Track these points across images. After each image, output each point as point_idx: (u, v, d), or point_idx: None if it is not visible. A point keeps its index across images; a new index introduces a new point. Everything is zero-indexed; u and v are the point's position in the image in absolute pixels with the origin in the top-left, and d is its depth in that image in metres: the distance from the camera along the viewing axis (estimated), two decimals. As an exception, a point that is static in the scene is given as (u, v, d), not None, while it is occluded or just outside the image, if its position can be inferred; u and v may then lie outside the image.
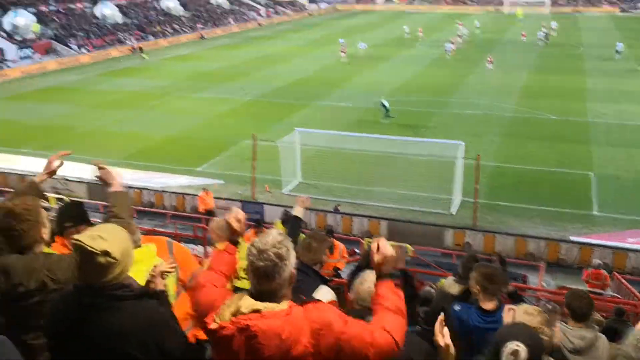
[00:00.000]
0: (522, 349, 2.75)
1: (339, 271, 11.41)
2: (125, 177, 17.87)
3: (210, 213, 19.47)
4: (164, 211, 20.40)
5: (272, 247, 2.55)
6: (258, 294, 2.56)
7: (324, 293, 4.14)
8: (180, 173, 24.21)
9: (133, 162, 25.36)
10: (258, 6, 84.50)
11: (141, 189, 21.81)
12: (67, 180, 22.40)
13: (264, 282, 2.55)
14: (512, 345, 2.77)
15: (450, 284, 6.58)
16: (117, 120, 32.17)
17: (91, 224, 4.45)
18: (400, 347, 2.63)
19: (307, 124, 27.69)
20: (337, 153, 23.57)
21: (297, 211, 5.54)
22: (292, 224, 5.47)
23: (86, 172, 23.95)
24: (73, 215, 4.20)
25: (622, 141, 27.10)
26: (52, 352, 2.80)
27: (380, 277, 2.87)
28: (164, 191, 21.64)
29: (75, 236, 2.65)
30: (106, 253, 2.61)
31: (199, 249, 13.73)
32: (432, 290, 10.58)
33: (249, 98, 36.47)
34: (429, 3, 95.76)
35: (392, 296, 2.80)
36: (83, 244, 2.59)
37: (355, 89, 37.96)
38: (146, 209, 20.69)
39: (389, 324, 2.67)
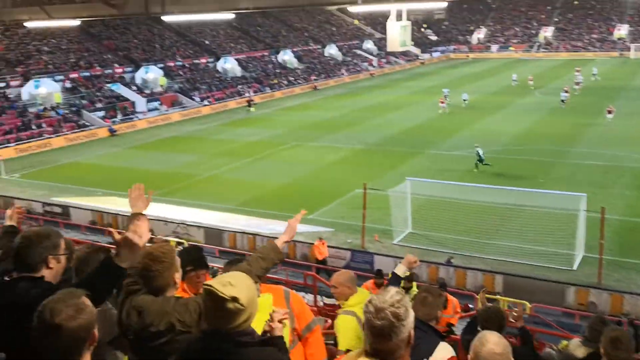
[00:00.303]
0: None
1: (452, 327, 10.92)
2: (239, 222, 18.43)
3: (324, 262, 19.62)
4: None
5: (390, 307, 2.48)
6: (374, 353, 2.50)
7: (445, 350, 4.01)
8: (292, 220, 24.59)
9: (247, 209, 26.16)
10: (370, 57, 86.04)
11: (254, 234, 22.35)
12: (187, 225, 23.46)
13: (381, 341, 2.48)
14: None
15: (576, 347, 6.03)
16: (234, 168, 33.52)
17: (208, 269, 4.55)
18: None
19: (418, 173, 27.40)
20: (450, 203, 23.03)
21: (399, 269, 5.38)
22: (391, 282, 5.32)
23: (204, 217, 25.10)
24: (193, 260, 4.31)
25: None
26: None
27: None
28: (275, 237, 21.98)
29: (207, 282, 2.72)
30: (235, 299, 2.65)
31: (309, 297, 13.72)
32: (554, 352, 9.86)
33: (360, 147, 36.77)
34: (547, 50, 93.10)
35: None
36: (214, 290, 2.65)
37: (468, 138, 37.17)
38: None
39: None
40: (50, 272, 3.22)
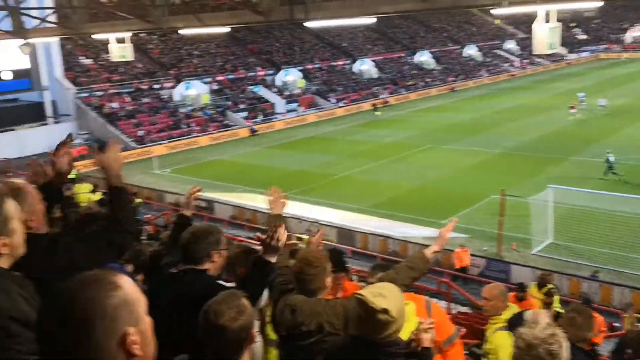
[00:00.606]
0: None
1: (596, 347, 10.24)
2: (371, 223, 18.53)
3: (463, 270, 19.20)
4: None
5: (543, 343, 2.36)
6: None
7: None
8: (425, 224, 24.29)
9: (380, 211, 26.23)
10: (512, 57, 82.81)
11: (386, 237, 22.37)
12: (320, 223, 23.98)
13: None
14: None
15: None
16: (368, 169, 33.77)
17: (348, 272, 4.66)
18: None
19: (560, 180, 25.93)
20: (596, 214, 21.56)
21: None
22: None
23: (337, 217, 25.54)
24: (334, 262, 4.43)
25: None
26: None
27: None
28: (408, 242, 21.88)
29: (359, 291, 2.81)
30: (386, 311, 2.70)
31: (442, 304, 13.49)
32: None
33: (499, 151, 35.51)
34: None
35: None
36: (366, 300, 2.71)
37: (615, 145, 34.59)
38: (389, 257, 21.12)
39: None
40: (213, 265, 3.49)
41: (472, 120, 46.05)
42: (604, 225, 21.06)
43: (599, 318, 11.02)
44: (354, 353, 2.81)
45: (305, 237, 21.69)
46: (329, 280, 3.60)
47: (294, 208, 26.98)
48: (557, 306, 11.61)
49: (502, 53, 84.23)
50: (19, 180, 3.03)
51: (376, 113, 51.77)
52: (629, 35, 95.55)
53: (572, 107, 44.31)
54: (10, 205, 2.28)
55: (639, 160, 30.59)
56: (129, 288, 1.45)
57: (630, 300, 16.86)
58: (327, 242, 22.74)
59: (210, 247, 3.46)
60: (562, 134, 38.79)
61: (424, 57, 73.31)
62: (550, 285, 12.49)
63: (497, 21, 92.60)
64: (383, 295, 2.72)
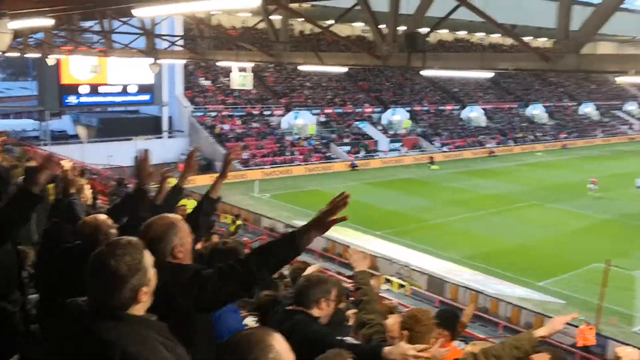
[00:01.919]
0: None
1: None
2: (463, 275, 18.03)
3: (586, 350, 17.85)
4: (497, 320, 19.89)
5: None
6: None
7: None
8: (520, 284, 23.44)
9: (474, 263, 25.58)
10: (632, 119, 78.79)
11: (478, 291, 21.74)
12: (411, 268, 23.74)
13: None
14: None
15: None
16: (465, 218, 33.09)
17: (455, 333, 4.67)
18: None
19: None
20: None
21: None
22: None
23: (428, 263, 25.16)
24: (444, 318, 4.52)
25: None
26: None
27: None
28: (500, 299, 21.15)
29: None
30: None
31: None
32: None
33: (608, 217, 33.71)
34: None
35: None
36: None
37: None
38: (479, 313, 20.50)
39: None
40: (320, 312, 3.63)
41: (582, 181, 43.99)
42: None
43: None
44: None
45: (396, 280, 21.49)
46: (433, 340, 3.63)
47: (386, 248, 26.92)
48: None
49: (621, 114, 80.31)
50: (173, 215, 3.30)
51: (432, 167, 49.11)
52: None
53: (592, 182, 39.85)
54: (148, 256, 2.46)
55: None
56: (281, 348, 1.61)
57: None
58: (417, 288, 22.44)
59: (321, 295, 3.60)
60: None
61: (536, 111, 71.25)
62: None
63: (620, 81, 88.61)
64: None
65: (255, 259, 2.84)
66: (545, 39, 58.97)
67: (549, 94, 78.98)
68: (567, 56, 8.26)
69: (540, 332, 3.68)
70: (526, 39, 13.57)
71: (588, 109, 77.25)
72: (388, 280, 22.62)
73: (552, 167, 50.64)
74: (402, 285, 22.52)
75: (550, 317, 18.77)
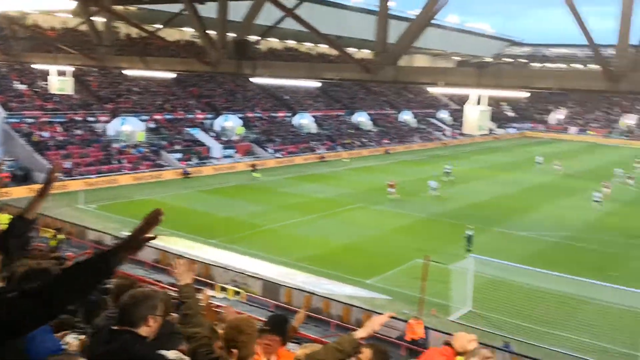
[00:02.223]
0: None
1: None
2: (297, 278, 18.42)
3: (415, 343, 18.74)
4: (329, 319, 20.63)
5: None
6: None
7: None
8: (349, 283, 24.54)
9: (305, 265, 26.30)
10: (444, 126, 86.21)
11: (311, 293, 22.34)
12: (246, 274, 23.79)
13: None
14: None
15: None
16: (298, 222, 33.92)
17: (285, 337, 4.73)
18: None
19: (481, 250, 26.91)
20: (513, 286, 22.44)
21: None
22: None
23: (263, 268, 25.41)
24: (274, 324, 4.56)
25: None
26: None
27: None
28: (331, 299, 21.96)
29: None
30: None
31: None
32: None
33: (425, 216, 36.53)
34: (626, 137, 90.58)
35: None
36: None
37: (538, 220, 36.39)
38: (312, 314, 21.11)
39: None
40: (149, 330, 3.48)
41: (403, 183, 47.21)
42: (521, 298, 21.90)
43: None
44: None
45: (231, 287, 21.39)
46: (258, 349, 3.65)
47: (220, 256, 26.73)
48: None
49: (435, 121, 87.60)
50: None
51: (255, 174, 48.03)
52: (553, 117, 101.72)
53: (390, 186, 41.61)
54: None
55: (561, 238, 32.09)
56: None
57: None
58: (252, 294, 22.57)
59: (148, 312, 3.48)
60: (486, 205, 40.34)
61: (361, 118, 75.27)
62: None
63: (432, 91, 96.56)
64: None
65: (63, 282, 2.64)
66: (368, 51, 62.45)
67: (373, 102, 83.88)
68: (385, 68, 8.85)
69: (360, 334, 3.88)
70: (351, 50, 14.24)
71: (407, 117, 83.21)
72: (224, 289, 22.49)
73: (376, 171, 53.69)
74: (237, 293, 22.52)
75: (379, 313, 19.90)
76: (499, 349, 18.37)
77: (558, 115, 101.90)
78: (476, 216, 36.39)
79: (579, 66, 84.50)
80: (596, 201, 40.26)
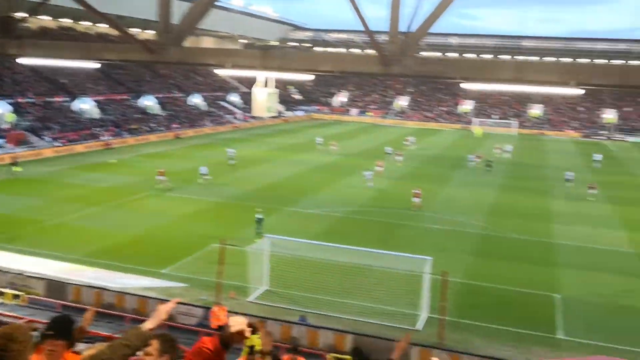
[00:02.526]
0: None
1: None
2: (86, 274, 17.23)
3: (221, 329, 18.41)
4: (124, 314, 19.66)
5: None
6: None
7: None
8: (144, 274, 23.63)
9: (95, 260, 24.77)
10: (235, 109, 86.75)
11: (101, 288, 21.12)
12: (26, 275, 21.67)
13: None
14: None
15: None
16: (83, 215, 31.72)
17: (71, 341, 4.30)
18: None
19: (276, 230, 27.67)
20: (307, 261, 23.39)
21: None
22: None
23: (46, 267, 23.35)
24: (58, 328, 4.15)
25: (588, 264, 27.56)
26: None
27: None
28: (125, 292, 20.95)
29: None
30: None
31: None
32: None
33: (219, 200, 36.51)
34: (400, 118, 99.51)
35: None
36: None
37: (326, 198, 38.41)
38: (105, 310, 19.97)
39: None
40: None
41: (194, 168, 46.58)
42: (314, 272, 22.93)
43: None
44: None
45: (8, 291, 19.30)
46: (33, 357, 3.27)
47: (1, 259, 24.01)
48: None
49: (226, 105, 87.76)
50: None
51: (15, 169, 42.01)
52: (336, 100, 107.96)
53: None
54: None
55: (347, 213, 34.14)
56: None
57: (333, 342, 18.52)
58: (35, 296, 20.60)
59: None
60: (278, 186, 41.56)
61: (148, 102, 72.53)
62: (258, 334, 13.16)
63: (220, 73, 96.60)
64: None
65: None
66: (153, 32, 60.18)
67: (160, 85, 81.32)
68: (170, 48, 8.52)
69: (148, 325, 3.71)
70: (134, 30, 13.54)
71: (196, 100, 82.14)
72: (0, 293, 20.21)
73: (165, 157, 52.24)
74: (16, 296, 20.40)
75: (210, 309, 19.48)
76: (295, 323, 19.09)
77: (341, 97, 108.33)
78: (268, 197, 37.32)
79: (357, 51, 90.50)
80: (367, 179, 43.46)
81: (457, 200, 39.66)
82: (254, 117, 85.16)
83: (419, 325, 20.05)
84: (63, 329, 4.19)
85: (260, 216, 29.18)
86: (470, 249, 28.96)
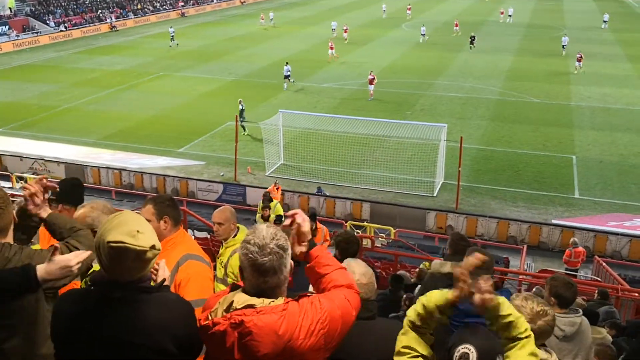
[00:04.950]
0: (472, 352, 2.59)
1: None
2: (103, 157, 17.43)
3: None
4: (144, 193, 20.07)
5: (272, 240, 2.38)
6: (257, 292, 2.38)
7: None
8: (161, 154, 23.87)
9: (112, 143, 25.00)
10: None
11: (120, 169, 21.45)
12: (45, 160, 22.01)
13: (271, 277, 2.37)
14: (463, 348, 2.60)
15: (440, 265, 6.34)
16: (96, 99, 31.61)
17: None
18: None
19: (290, 105, 27.43)
20: (321, 135, 23.36)
21: None
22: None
23: (64, 152, 23.65)
24: (74, 197, 4.09)
25: (605, 125, 27.21)
26: (66, 354, 2.48)
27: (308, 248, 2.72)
28: (144, 172, 21.26)
29: (112, 238, 2.35)
30: (153, 247, 2.42)
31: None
32: (407, 274, 10.50)
33: (232, 78, 35.99)
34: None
35: (327, 255, 2.75)
36: (131, 246, 2.35)
37: (338, 70, 37.66)
38: (126, 190, 20.41)
39: (344, 278, 2.67)
40: None
41: (204, 47, 45.67)
42: (329, 145, 22.94)
43: (324, 229, 12.13)
44: (98, 298, 2.42)
45: (30, 176, 19.69)
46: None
47: (13, 145, 24.32)
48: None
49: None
50: None
51: None
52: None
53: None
54: None
55: (360, 85, 33.51)
56: None
57: (350, 211, 18.90)
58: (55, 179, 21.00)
59: None
60: (290, 61, 40.59)
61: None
62: (274, 201, 13.66)
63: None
64: (141, 231, 2.39)
65: None
66: None
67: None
68: None
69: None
70: None
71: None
72: (21, 178, 20.62)
73: (175, 36, 50.90)
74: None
75: (196, 180, 19.82)
76: (312, 194, 19.40)
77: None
78: (282, 72, 36.62)
79: None
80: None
81: (473, 66, 38.67)
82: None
83: (435, 191, 20.28)
84: (69, 193, 4.10)
85: (241, 107, 25.99)
86: (488, 114, 28.59)
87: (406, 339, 2.60)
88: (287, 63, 33.41)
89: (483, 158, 23.19)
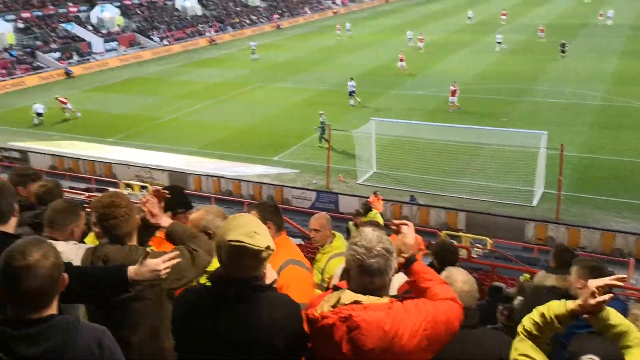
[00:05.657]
0: None
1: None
2: (204, 165, 18.13)
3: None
4: (241, 200, 20.71)
5: (378, 243, 2.46)
6: (363, 291, 2.46)
7: (403, 278, 4.09)
8: (257, 162, 24.53)
9: (211, 152, 25.95)
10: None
11: (219, 177, 22.24)
12: (150, 168, 23.19)
13: (377, 278, 2.46)
14: (588, 358, 2.54)
15: (545, 276, 6.12)
16: (196, 110, 32.99)
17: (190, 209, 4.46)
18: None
19: (382, 113, 27.42)
20: (413, 142, 23.15)
21: None
22: None
23: (168, 160, 24.85)
24: (184, 202, 4.35)
25: None
26: (185, 348, 2.67)
27: (409, 261, 2.74)
28: (241, 180, 21.94)
29: (232, 237, 2.52)
30: (268, 247, 2.57)
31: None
32: (505, 287, 10.17)
33: (325, 87, 36.44)
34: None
35: (429, 269, 2.77)
36: (249, 245, 2.51)
37: (430, 77, 37.24)
38: (224, 197, 21.13)
39: (446, 292, 2.67)
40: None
41: (298, 58, 46.59)
42: (422, 152, 22.69)
43: (418, 238, 12.01)
44: (215, 295, 2.59)
45: (136, 183, 20.83)
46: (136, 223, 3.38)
47: (120, 153, 25.82)
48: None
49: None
50: None
51: None
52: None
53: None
54: None
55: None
56: None
57: (445, 220, 18.60)
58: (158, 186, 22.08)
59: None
60: (382, 69, 40.68)
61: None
62: (374, 211, 13.52)
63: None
64: (257, 232, 2.55)
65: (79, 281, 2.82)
66: None
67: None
68: None
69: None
70: None
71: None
72: (128, 185, 21.85)
73: (270, 49, 52.28)
74: (143, 187, 21.97)
75: (291, 187, 20.19)
76: (405, 203, 19.27)
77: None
78: (375, 80, 36.81)
79: None
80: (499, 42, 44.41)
81: (572, 71, 37.05)
82: (353, 1, 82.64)
83: (535, 201, 19.58)
84: (181, 200, 4.35)
85: (322, 119, 25.37)
86: (590, 121, 27.31)
87: (523, 347, 2.59)
88: (351, 78, 31.84)
89: (585, 166, 22.15)
